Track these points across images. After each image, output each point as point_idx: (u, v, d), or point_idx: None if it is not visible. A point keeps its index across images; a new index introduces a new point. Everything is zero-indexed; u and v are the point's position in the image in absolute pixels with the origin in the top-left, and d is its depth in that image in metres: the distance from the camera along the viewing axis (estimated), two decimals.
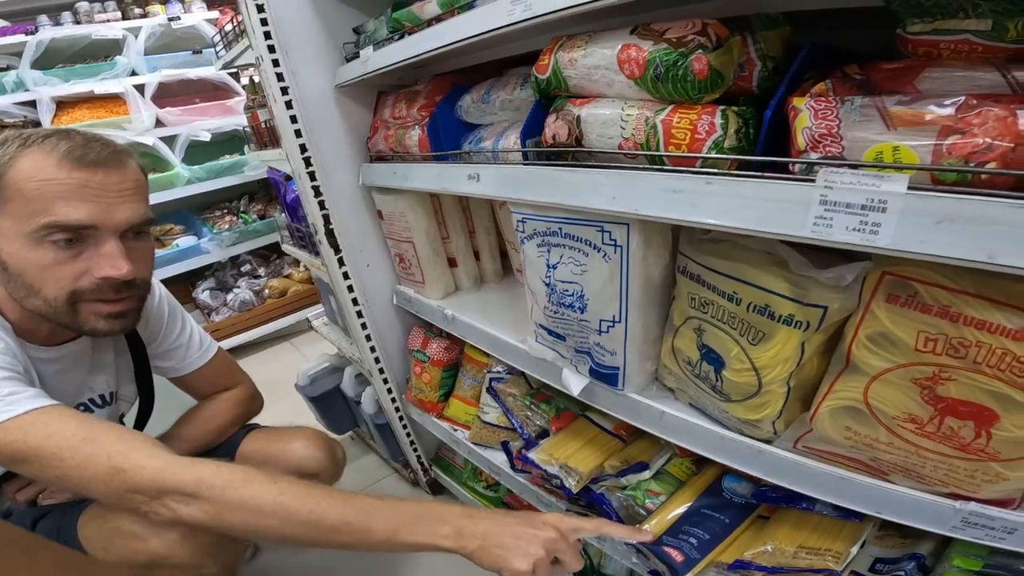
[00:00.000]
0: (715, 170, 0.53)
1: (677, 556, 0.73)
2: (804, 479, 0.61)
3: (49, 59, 2.36)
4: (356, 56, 1.03)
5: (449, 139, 0.95)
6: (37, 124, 2.30)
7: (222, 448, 1.11)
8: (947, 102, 0.40)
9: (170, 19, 2.47)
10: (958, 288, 0.45)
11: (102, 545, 0.82)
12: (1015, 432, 0.46)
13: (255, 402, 1.17)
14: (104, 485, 0.68)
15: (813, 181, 0.45)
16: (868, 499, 0.57)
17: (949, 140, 0.40)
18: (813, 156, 0.46)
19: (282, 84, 1.04)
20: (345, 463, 1.20)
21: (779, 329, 0.55)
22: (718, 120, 0.53)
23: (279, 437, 1.14)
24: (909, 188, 0.40)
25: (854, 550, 0.65)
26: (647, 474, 0.85)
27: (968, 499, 0.51)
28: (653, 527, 0.79)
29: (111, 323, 0.78)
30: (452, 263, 1.21)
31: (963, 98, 0.40)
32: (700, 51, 0.52)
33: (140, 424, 1.07)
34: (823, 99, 0.46)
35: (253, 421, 1.19)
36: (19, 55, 2.26)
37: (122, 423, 1.06)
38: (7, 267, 0.72)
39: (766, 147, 0.52)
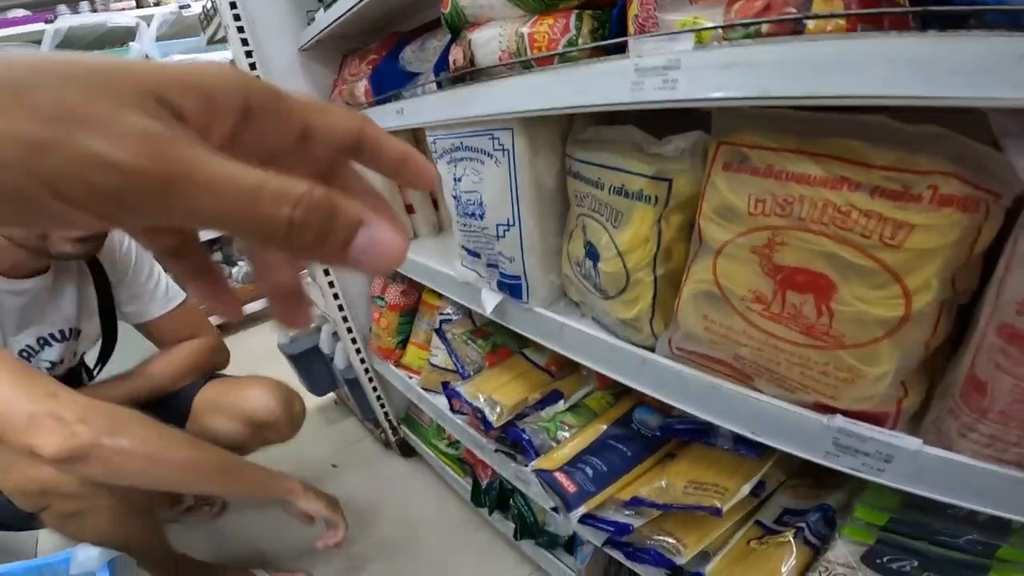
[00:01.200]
0: (567, 64, 0.56)
1: (569, 486, 0.73)
2: (682, 391, 0.60)
3: (67, 46, 2.49)
4: (313, 19, 1.08)
5: (390, 87, 0.99)
6: None
7: (180, 395, 1.15)
8: None
9: (181, 7, 2.60)
10: (780, 147, 0.45)
11: (2, 476, 0.85)
12: (856, 305, 0.44)
13: (217, 355, 1.21)
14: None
15: (628, 55, 0.48)
16: (740, 414, 0.55)
17: (736, 6, 0.42)
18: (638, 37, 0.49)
19: (246, 48, 1.10)
20: (303, 418, 1.23)
21: (635, 207, 0.56)
22: (572, 22, 0.57)
23: (235, 385, 1.17)
24: (696, 47, 0.43)
25: (745, 488, 0.62)
26: (562, 405, 0.86)
27: (835, 411, 0.48)
28: (557, 459, 0.79)
29: (77, 247, 0.85)
30: (410, 210, 1.25)
31: None
32: None
33: (101, 362, 1.13)
34: None
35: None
36: (38, 43, 2.40)
37: (82, 361, 1.12)
38: None
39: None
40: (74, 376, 1.11)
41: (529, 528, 1.11)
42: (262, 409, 1.13)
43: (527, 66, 0.62)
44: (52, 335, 1.00)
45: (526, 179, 0.68)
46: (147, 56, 2.57)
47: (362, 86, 1.04)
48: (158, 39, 2.59)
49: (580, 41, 0.56)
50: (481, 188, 0.73)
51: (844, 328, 0.46)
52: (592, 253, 0.64)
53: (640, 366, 0.65)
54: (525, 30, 0.60)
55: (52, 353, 1.01)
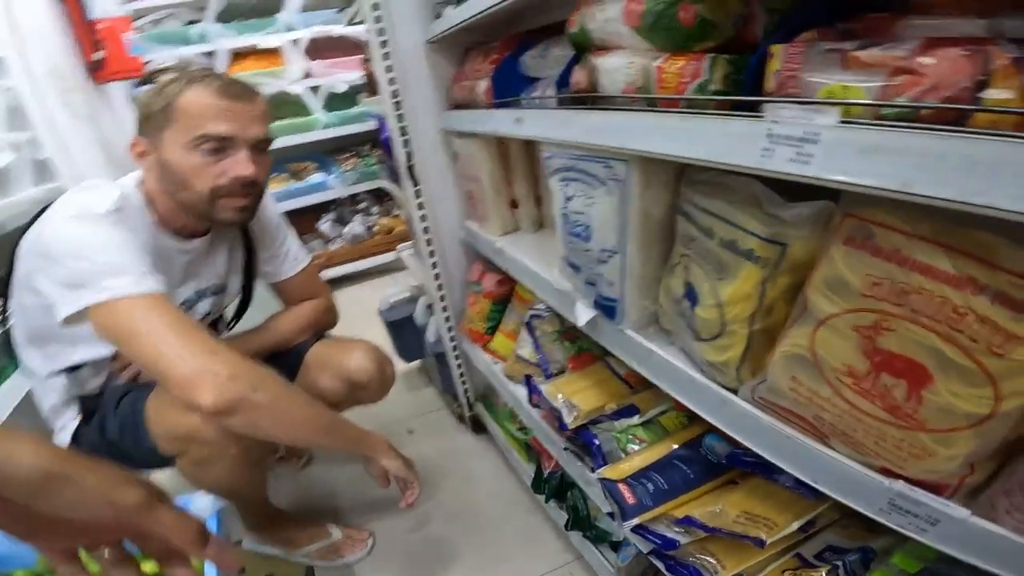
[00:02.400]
0: (695, 110, 0.56)
1: (629, 498, 0.76)
2: (756, 433, 0.61)
3: (230, 14, 2.71)
4: (440, 15, 1.13)
5: (510, 89, 1.02)
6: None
7: (294, 351, 1.27)
8: (904, 45, 0.40)
9: None
10: (914, 232, 0.44)
11: (156, 419, 0.98)
12: (947, 398, 0.44)
13: (330, 314, 1.33)
14: (176, 367, 0.79)
15: (763, 117, 0.47)
16: (808, 464, 0.56)
17: (896, 80, 0.40)
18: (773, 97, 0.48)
19: (382, 38, 1.17)
20: (393, 382, 1.33)
21: (742, 265, 0.56)
22: (705, 66, 0.56)
23: (341, 346, 1.27)
24: (841, 122, 0.41)
25: (794, 526, 0.65)
26: (636, 419, 0.88)
27: (899, 477, 0.49)
28: (623, 470, 0.82)
29: (238, 214, 1.01)
30: (514, 205, 1.29)
31: (919, 40, 0.40)
32: (688, 0, 0.54)
33: (237, 316, 1.30)
34: (799, 46, 0.47)
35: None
36: (202, 9, 2.64)
37: (225, 320, 1.29)
38: (167, 166, 0.94)
39: (753, 93, 0.53)
40: (215, 327, 1.28)
41: (581, 521, 1.16)
42: (360, 371, 1.23)
43: (650, 103, 0.62)
44: (208, 289, 1.17)
45: (635, 210, 0.69)
46: (290, 28, 2.76)
47: (483, 85, 1.08)
48: (303, 10, 2.77)
49: (711, 88, 0.55)
50: (590, 212, 0.75)
51: (929, 414, 0.46)
52: (691, 295, 0.65)
53: (720, 405, 0.66)
54: (654, 66, 0.60)
55: (205, 305, 1.17)
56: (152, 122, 0.94)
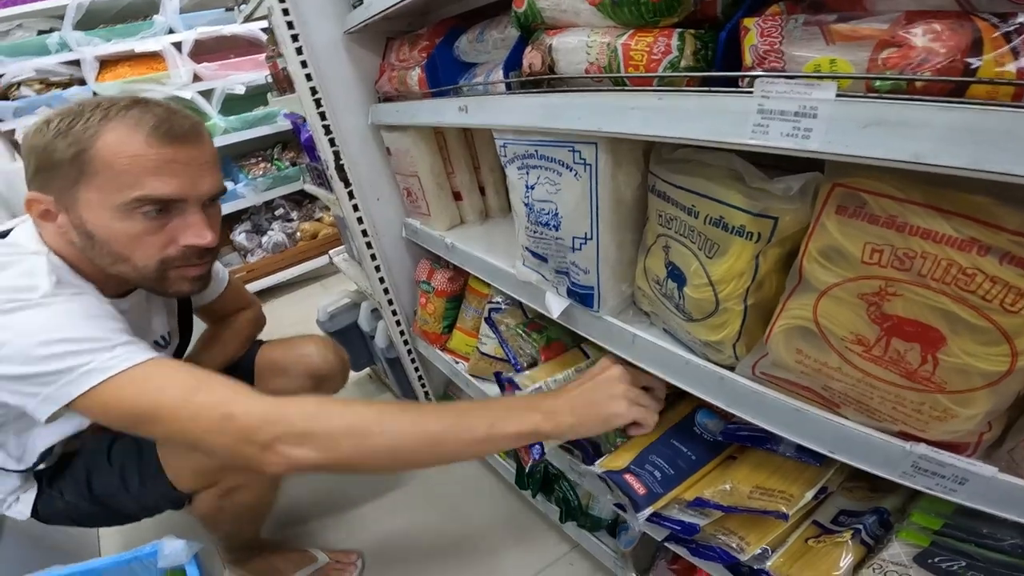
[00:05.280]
0: (669, 88, 0.53)
1: (639, 488, 0.75)
2: (762, 410, 0.61)
3: (91, 20, 2.43)
4: (361, 3, 1.04)
5: (446, 77, 0.96)
6: (82, 82, 2.39)
7: (242, 363, 1.20)
8: (885, 18, 0.40)
9: None
10: (906, 197, 0.44)
11: (178, 456, 0.88)
12: (963, 358, 0.44)
13: (262, 320, 1.28)
14: (218, 435, 0.67)
15: (752, 93, 0.45)
16: (821, 435, 0.56)
17: (884, 53, 0.39)
18: (758, 71, 0.46)
19: (292, 32, 1.07)
20: (350, 367, 1.30)
21: (733, 241, 0.55)
22: (675, 42, 0.53)
23: (292, 345, 1.22)
24: (839, 96, 0.40)
25: (808, 495, 0.65)
26: None
27: (919, 440, 0.50)
28: (623, 458, 0.80)
29: (194, 284, 0.84)
30: (457, 197, 1.23)
31: (901, 13, 0.39)
32: None
33: (179, 354, 1.16)
34: (771, 19, 0.46)
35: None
36: (61, 17, 2.33)
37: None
38: (92, 236, 0.74)
39: (724, 67, 0.52)
40: None
41: (573, 512, 1.15)
42: (323, 363, 1.19)
43: (618, 83, 0.59)
44: (157, 342, 1.03)
45: (606, 194, 0.67)
46: (171, 30, 2.50)
47: (415, 75, 1.01)
48: (182, 11, 2.52)
49: (683, 64, 0.53)
50: (557, 200, 0.71)
51: (946, 376, 0.46)
52: (677, 276, 0.64)
53: (718, 383, 0.66)
54: (619, 44, 0.57)
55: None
56: (57, 175, 0.72)
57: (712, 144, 0.49)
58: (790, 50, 0.44)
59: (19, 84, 2.28)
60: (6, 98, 2.27)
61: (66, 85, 2.38)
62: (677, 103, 0.51)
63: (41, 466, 0.91)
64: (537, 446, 0.86)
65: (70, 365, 0.66)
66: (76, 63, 2.39)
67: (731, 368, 0.64)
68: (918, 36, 0.38)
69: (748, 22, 0.47)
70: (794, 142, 0.43)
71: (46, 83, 2.35)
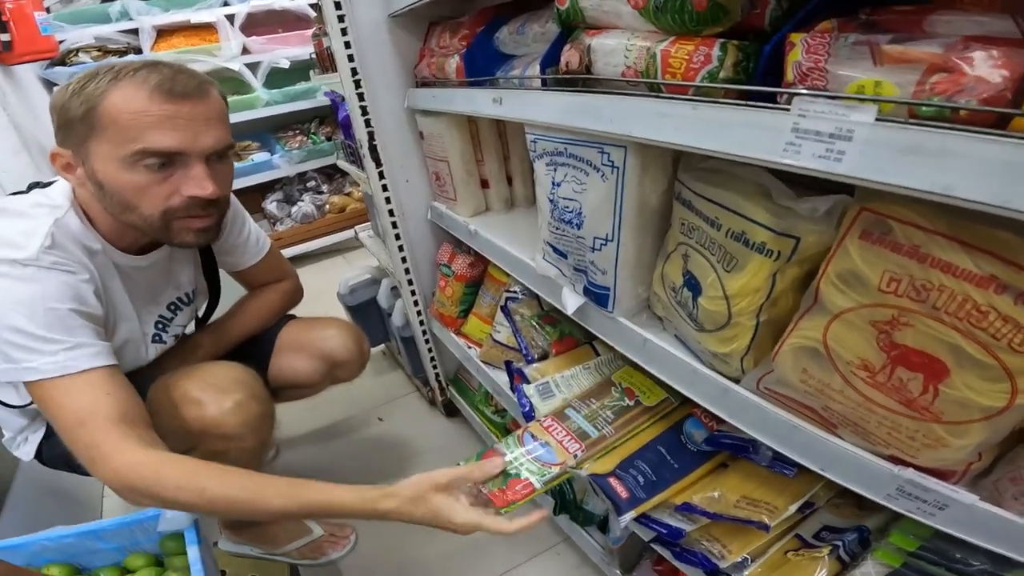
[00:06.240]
0: (705, 98, 0.53)
1: (621, 492, 0.77)
2: (760, 424, 0.62)
3: None
4: None
5: (484, 67, 0.97)
6: (139, 51, 2.44)
7: (265, 335, 1.23)
8: (939, 41, 0.39)
9: None
10: (932, 228, 0.44)
11: (168, 411, 0.92)
12: (964, 392, 0.45)
13: (297, 294, 1.29)
14: (87, 464, 0.77)
15: (789, 110, 0.45)
16: (813, 452, 0.57)
17: (934, 78, 0.39)
18: (799, 88, 0.46)
19: (339, 12, 1.08)
20: (369, 356, 1.31)
21: (752, 257, 0.55)
22: (716, 52, 0.53)
23: (315, 325, 1.25)
24: (878, 120, 0.39)
25: (792, 508, 0.66)
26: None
27: (908, 465, 0.50)
28: (610, 462, 0.82)
29: (199, 236, 0.87)
30: (484, 184, 1.24)
31: (958, 38, 0.38)
32: None
33: (209, 313, 1.21)
34: (821, 36, 0.45)
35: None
36: None
37: (198, 317, 1.19)
38: (103, 186, 0.79)
39: (765, 81, 0.51)
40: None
41: (567, 505, 1.17)
42: (340, 348, 1.21)
43: (654, 88, 0.60)
44: (180, 299, 1.07)
45: (631, 198, 0.67)
46: (226, 2, 2.53)
47: (454, 63, 1.02)
48: None
49: (722, 75, 0.53)
50: (582, 199, 0.72)
51: (945, 407, 0.47)
52: (693, 285, 0.64)
53: (721, 394, 0.66)
54: (659, 50, 0.57)
55: (182, 318, 1.08)
56: (72, 131, 0.77)
57: (742, 159, 0.49)
58: (835, 69, 0.43)
59: (78, 51, 2.35)
60: (64, 63, 2.34)
61: (123, 53, 2.43)
62: (711, 114, 0.51)
63: (34, 405, 0.95)
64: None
65: (16, 357, 0.75)
66: (134, 32, 2.44)
67: (736, 380, 0.64)
68: (971, 62, 0.37)
69: (795, 37, 0.46)
70: (824, 164, 0.42)
71: (104, 50, 2.40)
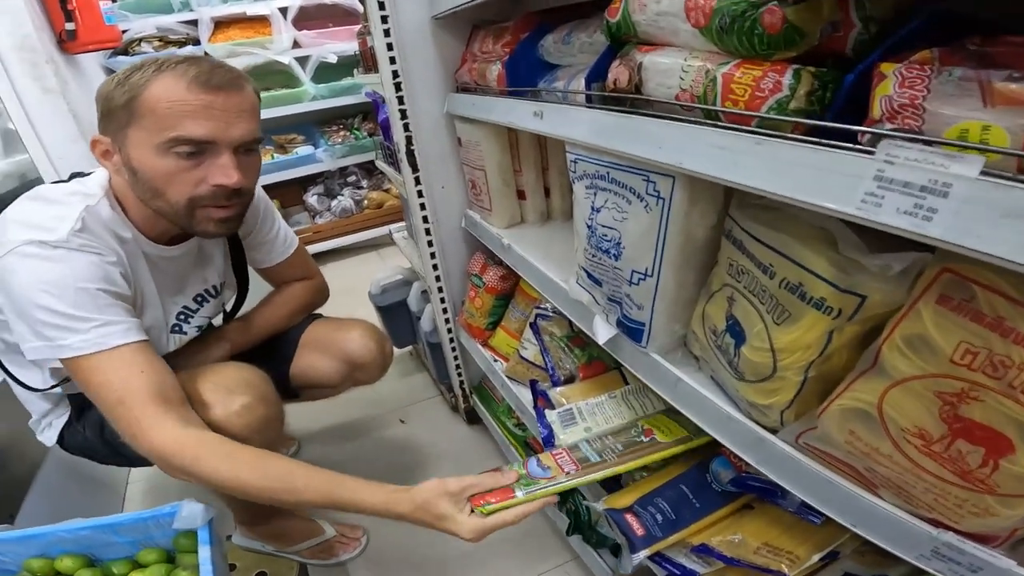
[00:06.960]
0: (770, 131, 0.48)
1: (638, 529, 0.73)
2: (793, 476, 0.57)
3: None
4: None
5: (526, 77, 0.94)
6: (196, 42, 2.51)
7: (289, 333, 1.23)
8: None
9: None
10: (1020, 298, 0.38)
11: None
12: None
13: (322, 294, 1.29)
14: (127, 439, 0.82)
15: (873, 153, 0.39)
16: (848, 509, 0.53)
17: None
18: (886, 127, 0.40)
19: (383, 12, 1.06)
20: (391, 361, 1.30)
21: (807, 312, 0.50)
22: (787, 79, 0.47)
23: (339, 326, 1.25)
24: (982, 174, 0.33)
25: (815, 558, 0.63)
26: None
27: (948, 528, 0.46)
28: (628, 496, 0.79)
29: (220, 226, 0.89)
30: (521, 195, 1.21)
31: None
32: (775, 3, 0.46)
33: (237, 307, 1.22)
34: (918, 67, 0.39)
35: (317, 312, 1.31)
36: None
37: (225, 311, 1.20)
38: (136, 172, 0.82)
39: (843, 117, 0.45)
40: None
41: (581, 525, 1.13)
42: (362, 350, 1.21)
43: (711, 116, 0.54)
44: (207, 291, 1.08)
45: (676, 232, 0.62)
46: None
47: (495, 70, 0.99)
48: None
49: (793, 104, 0.47)
50: (622, 228, 0.68)
51: (1002, 480, 0.43)
52: (736, 332, 0.59)
53: (756, 443, 0.62)
54: (720, 73, 0.52)
55: (207, 310, 1.09)
56: (114, 118, 0.81)
57: (808, 207, 0.44)
58: (934, 107, 0.37)
59: (140, 40, 2.43)
60: (126, 53, 2.42)
61: (182, 44, 2.50)
62: (776, 151, 0.45)
63: (58, 389, 0.98)
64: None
65: (49, 335, 0.78)
66: (193, 23, 2.52)
67: (773, 431, 0.59)
68: None
69: (886, 67, 0.41)
70: (911, 223, 0.36)
71: (164, 41, 2.48)
